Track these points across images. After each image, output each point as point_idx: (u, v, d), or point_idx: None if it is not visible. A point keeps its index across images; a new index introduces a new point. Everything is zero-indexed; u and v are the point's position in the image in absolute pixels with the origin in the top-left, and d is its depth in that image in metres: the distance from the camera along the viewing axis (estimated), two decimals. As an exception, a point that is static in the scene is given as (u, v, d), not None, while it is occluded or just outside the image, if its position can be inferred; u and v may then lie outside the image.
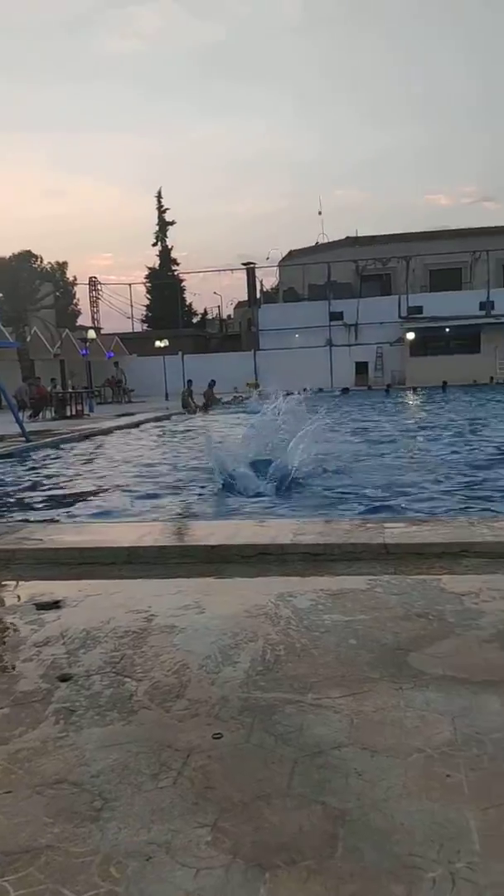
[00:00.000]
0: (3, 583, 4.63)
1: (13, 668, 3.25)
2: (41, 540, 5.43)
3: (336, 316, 38.80)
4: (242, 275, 43.98)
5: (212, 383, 27.64)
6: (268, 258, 51.66)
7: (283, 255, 46.81)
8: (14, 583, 4.62)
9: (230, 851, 1.92)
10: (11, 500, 9.08)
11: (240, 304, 52.73)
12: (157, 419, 21.80)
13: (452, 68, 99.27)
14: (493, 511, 6.96)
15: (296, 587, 4.18)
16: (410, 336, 36.76)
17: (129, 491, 9.18)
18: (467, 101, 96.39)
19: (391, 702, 2.71)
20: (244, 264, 43.87)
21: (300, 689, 2.84)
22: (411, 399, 28.61)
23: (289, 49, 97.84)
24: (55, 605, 4.07)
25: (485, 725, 2.50)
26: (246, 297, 44.82)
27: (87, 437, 16.76)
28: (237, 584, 4.36)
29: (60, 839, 2.01)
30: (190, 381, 26.32)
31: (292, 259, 46.12)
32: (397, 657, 3.12)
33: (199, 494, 8.68)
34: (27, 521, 7.18)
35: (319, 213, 65.68)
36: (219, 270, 64.72)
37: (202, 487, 9.08)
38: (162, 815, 2.10)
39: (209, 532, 5.46)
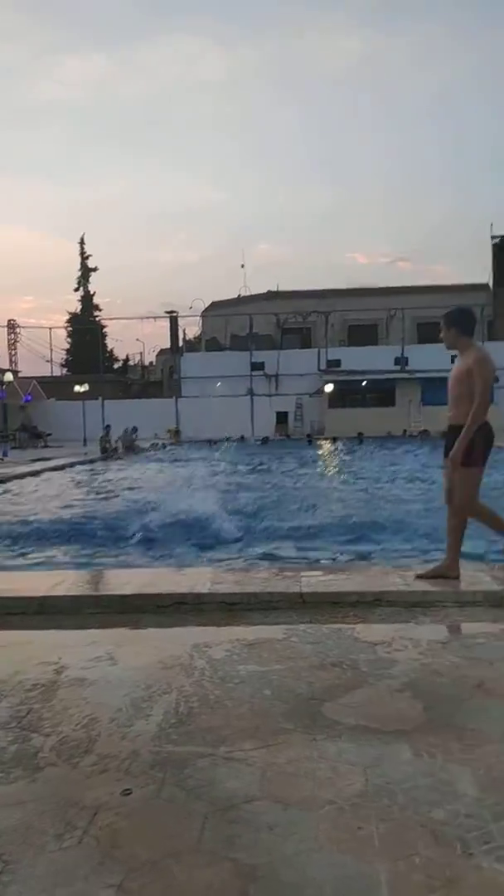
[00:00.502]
0: None
1: None
2: None
3: (257, 366, 39.34)
4: (165, 322, 44.14)
5: (133, 429, 27.47)
6: (191, 308, 52.09)
7: (206, 306, 47.40)
8: None
9: (136, 914, 1.85)
10: None
11: (162, 352, 52.84)
12: (69, 465, 21.42)
13: (370, 134, 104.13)
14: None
15: (212, 637, 4.13)
16: (329, 388, 37.55)
17: (46, 537, 8.95)
18: (383, 166, 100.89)
19: (304, 753, 2.70)
20: (167, 312, 44.14)
21: (213, 742, 2.80)
22: (329, 448, 29.13)
23: (211, 107, 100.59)
24: (-40, 656, 3.89)
25: (395, 776, 2.52)
26: (168, 345, 44.98)
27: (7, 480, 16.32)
28: (152, 634, 4.29)
29: (-45, 908, 1.90)
30: (108, 427, 26.05)
31: (215, 310, 46.73)
32: (311, 707, 3.11)
33: (115, 542, 8.54)
34: None
35: (242, 266, 66.93)
36: (142, 318, 65.13)
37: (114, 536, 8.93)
38: (66, 877, 2.01)
39: (125, 581, 5.36)
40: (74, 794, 2.46)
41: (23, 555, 7.88)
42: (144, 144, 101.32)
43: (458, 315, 5.09)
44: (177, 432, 36.85)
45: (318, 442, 32.23)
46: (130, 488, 14.89)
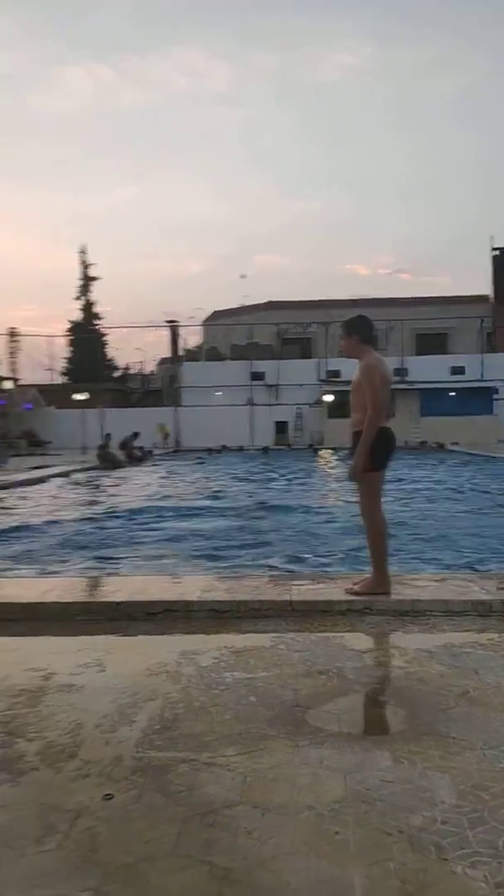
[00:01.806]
0: None
1: None
2: None
3: (257, 376, 39.42)
4: (166, 332, 44.19)
5: (133, 435, 27.43)
6: (192, 317, 52.25)
7: (207, 315, 47.55)
8: None
9: (111, 916, 1.87)
10: None
11: (162, 361, 52.92)
12: (66, 474, 21.43)
13: (372, 145, 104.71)
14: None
15: (200, 645, 4.15)
16: (329, 398, 37.59)
17: (39, 546, 8.98)
18: (386, 177, 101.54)
19: (286, 759, 2.72)
20: (168, 322, 44.20)
21: (195, 748, 2.82)
22: (332, 459, 29.12)
23: (214, 118, 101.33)
24: None
25: (374, 782, 2.54)
26: (169, 354, 45.04)
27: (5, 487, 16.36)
28: (140, 641, 4.31)
29: None
30: (108, 435, 26.05)
31: (216, 319, 46.87)
32: (296, 714, 3.13)
33: (104, 550, 8.57)
34: None
35: (242, 276, 67.24)
36: (142, 327, 65.09)
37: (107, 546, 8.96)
38: (44, 879, 2.03)
39: (115, 588, 5.38)
40: (56, 798, 2.48)
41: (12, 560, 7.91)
42: (148, 155, 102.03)
43: (358, 322, 5.15)
44: (166, 434, 36.89)
45: (320, 452, 32.20)
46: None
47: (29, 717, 3.17)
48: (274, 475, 20.83)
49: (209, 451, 32.49)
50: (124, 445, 26.66)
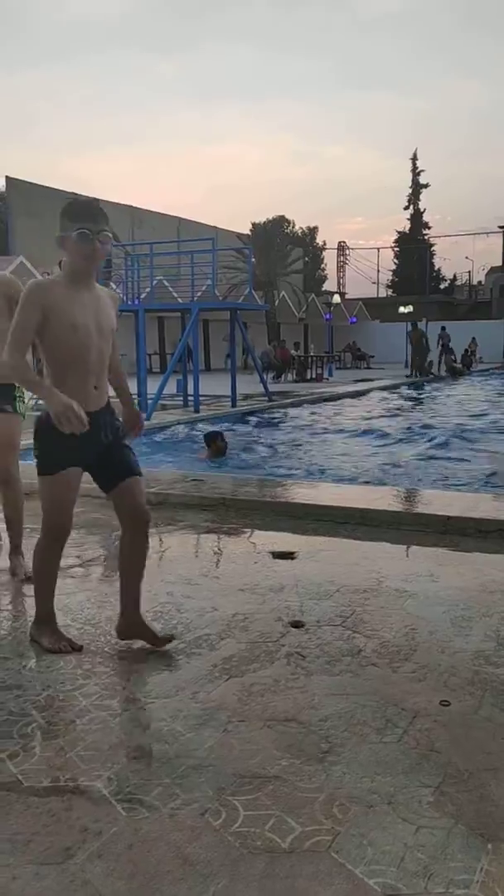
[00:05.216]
0: (243, 531, 4.89)
1: (250, 611, 3.44)
2: (280, 494, 5.65)
3: None
4: (498, 239, 41.80)
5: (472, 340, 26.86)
6: (527, 220, 48.30)
7: (545, 218, 43.53)
8: (250, 531, 4.86)
9: (453, 816, 1.90)
10: (255, 455, 9.53)
11: (492, 270, 50.06)
12: (394, 387, 21.54)
13: None
14: None
15: (537, 567, 3.96)
16: None
17: (363, 460, 9.24)
18: None
19: None
20: (500, 227, 41.48)
21: (536, 671, 2.71)
22: None
23: None
24: (290, 555, 4.23)
25: None
26: (499, 263, 42.36)
27: (326, 400, 17.06)
28: (473, 558, 4.23)
29: (288, 772, 2.12)
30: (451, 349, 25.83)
31: None
32: None
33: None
34: (271, 476, 7.50)
35: None
36: (472, 234, 62.12)
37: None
38: (386, 768, 2.13)
39: (446, 503, 5.33)
40: (394, 695, 2.57)
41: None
42: (473, 48, 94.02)
43: None
44: None
45: None
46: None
47: (365, 615, 3.31)
48: None
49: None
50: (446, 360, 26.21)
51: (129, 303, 14.73)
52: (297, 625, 3.20)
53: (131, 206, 32.85)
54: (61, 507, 2.91)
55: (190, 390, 14.11)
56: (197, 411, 13.29)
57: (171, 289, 21.88)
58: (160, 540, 4.61)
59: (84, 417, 2.63)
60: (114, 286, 15.50)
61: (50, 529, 2.94)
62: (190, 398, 14.11)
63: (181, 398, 14.37)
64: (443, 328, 27.85)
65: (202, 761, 2.18)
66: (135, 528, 2.97)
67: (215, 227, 34.16)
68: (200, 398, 13.80)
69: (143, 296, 15.75)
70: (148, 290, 16.68)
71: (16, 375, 2.86)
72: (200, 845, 1.80)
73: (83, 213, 2.75)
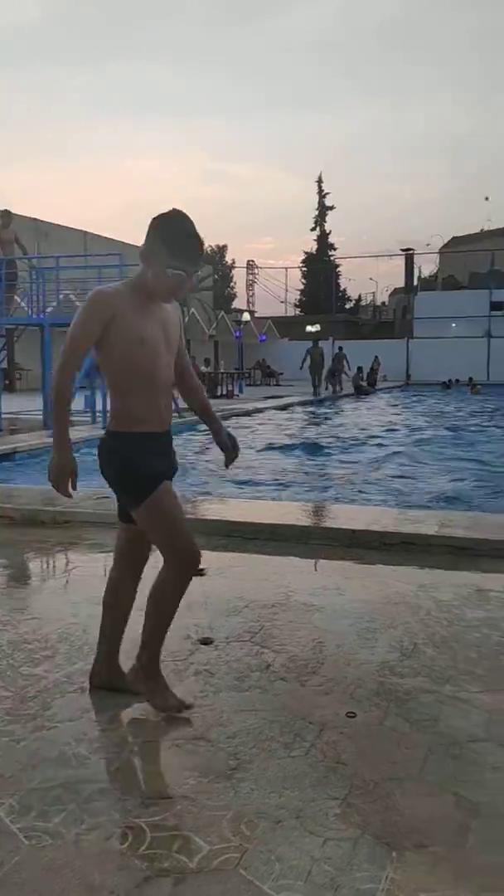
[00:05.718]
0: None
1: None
2: (189, 511, 5.63)
3: (497, 306, 37.17)
4: (400, 261, 43.02)
5: (359, 369, 27.60)
6: (428, 245, 50.29)
7: (445, 242, 45.43)
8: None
9: (359, 826, 1.93)
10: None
11: (395, 291, 51.69)
12: (303, 403, 21.89)
13: None
14: None
15: (438, 579, 4.09)
16: None
17: (266, 473, 9.33)
18: None
19: (534, 703, 2.61)
20: (403, 250, 42.88)
21: (438, 681, 2.80)
22: None
23: (458, 27, 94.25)
24: (199, 572, 4.20)
25: None
26: (402, 284, 43.81)
27: (236, 415, 17.15)
28: (378, 570, 4.33)
29: (196, 791, 2.10)
30: (360, 368, 26.62)
31: (454, 246, 44.67)
32: (543, 659, 2.99)
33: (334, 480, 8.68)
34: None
35: (486, 198, 62.99)
36: (376, 256, 63.72)
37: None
38: (294, 782, 2.14)
39: (351, 517, 5.44)
40: (302, 709, 2.59)
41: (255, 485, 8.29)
42: (377, 75, 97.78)
43: None
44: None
45: None
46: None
47: (273, 630, 3.33)
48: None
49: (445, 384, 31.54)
50: (354, 378, 26.95)
51: (35, 317, 14.42)
52: (206, 642, 3.19)
53: (36, 220, 32.22)
54: (182, 524, 2.49)
55: (98, 406, 13.90)
56: (105, 428, 13.04)
57: (78, 304, 21.53)
58: (66, 559, 4.51)
59: (71, 494, 2.43)
60: (18, 300, 15.15)
61: (182, 559, 2.49)
62: (98, 414, 13.90)
63: (89, 414, 14.13)
64: (339, 348, 28.55)
65: (108, 785, 2.14)
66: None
67: (122, 242, 33.94)
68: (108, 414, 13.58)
69: (49, 310, 15.45)
70: (54, 304, 16.37)
71: (55, 402, 2.48)
72: (106, 871, 1.76)
73: (188, 250, 2.36)
